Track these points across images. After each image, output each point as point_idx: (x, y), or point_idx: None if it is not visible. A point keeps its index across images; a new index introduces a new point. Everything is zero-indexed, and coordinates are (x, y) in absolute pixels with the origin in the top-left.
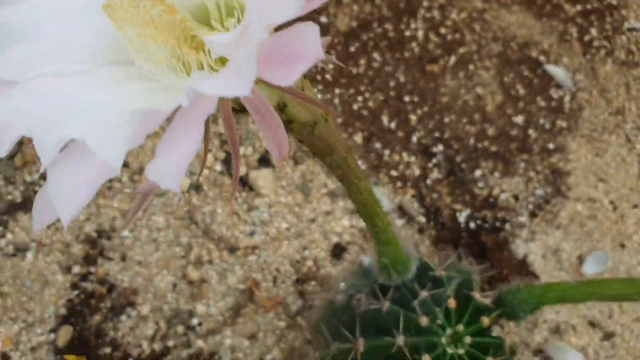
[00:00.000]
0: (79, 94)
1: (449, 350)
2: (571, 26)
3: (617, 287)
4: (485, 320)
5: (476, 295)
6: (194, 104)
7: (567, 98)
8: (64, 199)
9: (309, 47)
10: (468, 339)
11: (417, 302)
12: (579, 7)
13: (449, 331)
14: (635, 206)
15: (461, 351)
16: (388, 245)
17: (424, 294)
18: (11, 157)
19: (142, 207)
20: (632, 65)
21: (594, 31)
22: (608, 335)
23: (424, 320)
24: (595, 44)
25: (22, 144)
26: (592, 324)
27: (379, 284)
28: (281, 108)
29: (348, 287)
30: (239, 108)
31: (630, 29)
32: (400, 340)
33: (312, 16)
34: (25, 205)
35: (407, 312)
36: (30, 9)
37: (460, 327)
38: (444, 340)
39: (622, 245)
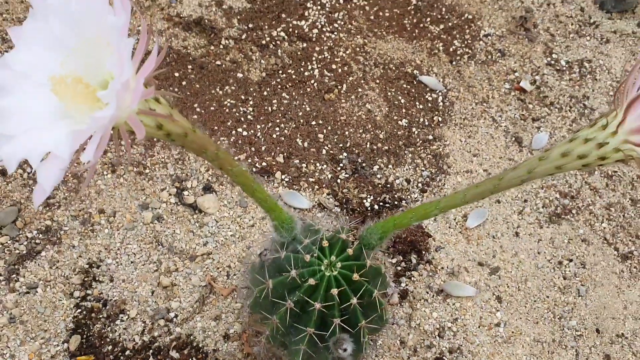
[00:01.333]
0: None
1: (327, 273)
2: (437, 42)
3: (424, 208)
4: (349, 251)
5: (342, 235)
6: (98, 125)
7: (440, 98)
8: (47, 179)
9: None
10: (339, 265)
11: (301, 247)
12: (442, 26)
13: (325, 262)
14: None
15: (335, 273)
16: (273, 211)
17: (305, 241)
18: (14, 221)
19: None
20: (492, 63)
21: (457, 42)
22: (494, 270)
23: (307, 257)
24: (459, 52)
25: (20, 211)
26: (480, 264)
27: (279, 242)
28: (159, 127)
29: (262, 251)
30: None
31: (486, 35)
32: (293, 273)
33: (226, 77)
34: (30, 255)
35: (295, 255)
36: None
37: (333, 258)
38: (322, 267)
39: (498, 201)
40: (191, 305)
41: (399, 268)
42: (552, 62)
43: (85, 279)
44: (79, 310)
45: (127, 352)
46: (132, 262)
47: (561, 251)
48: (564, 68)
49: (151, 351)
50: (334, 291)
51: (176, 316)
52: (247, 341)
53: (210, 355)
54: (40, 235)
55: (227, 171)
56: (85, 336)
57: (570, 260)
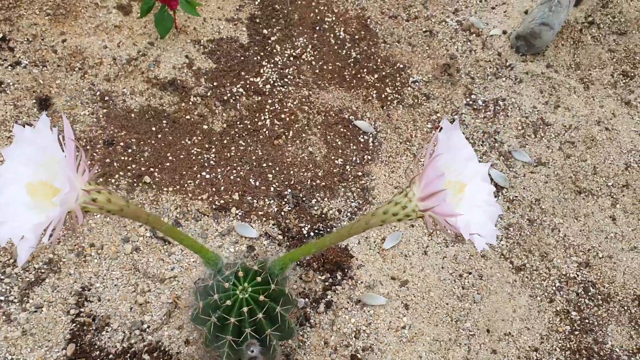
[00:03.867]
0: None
1: (240, 296)
2: (372, 90)
3: (307, 246)
4: (258, 279)
5: (254, 267)
6: (51, 219)
7: (370, 139)
8: (22, 253)
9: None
10: (249, 289)
11: (222, 277)
12: (376, 76)
13: (240, 287)
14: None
15: (247, 295)
16: (200, 252)
17: (226, 272)
18: None
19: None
20: (417, 106)
21: (388, 89)
22: (403, 283)
23: (226, 285)
24: (390, 97)
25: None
26: (393, 278)
27: (210, 272)
28: (101, 208)
29: (196, 280)
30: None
31: (414, 82)
32: (215, 296)
33: (194, 129)
34: (37, 281)
35: (218, 283)
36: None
37: (245, 284)
38: (237, 291)
39: (412, 226)
40: (160, 318)
41: (327, 283)
42: (471, 102)
43: (79, 300)
44: (74, 324)
45: (111, 356)
46: (115, 285)
47: (462, 266)
48: (481, 107)
49: (128, 355)
50: (244, 309)
51: (148, 327)
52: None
53: (174, 357)
54: (45, 266)
55: (159, 229)
56: (79, 344)
57: (470, 273)
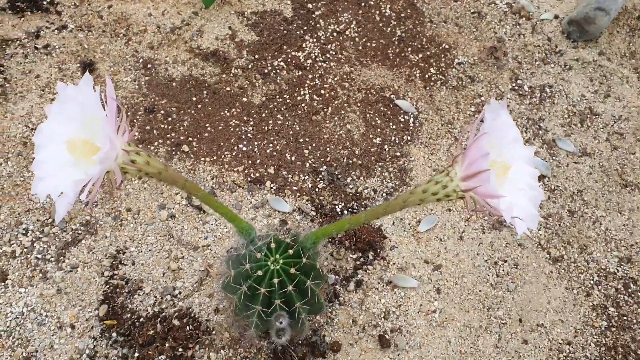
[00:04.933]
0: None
1: (271, 267)
2: (415, 69)
3: (341, 223)
4: (290, 251)
5: (286, 239)
6: (90, 177)
7: (411, 120)
8: (60, 209)
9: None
10: (281, 261)
11: (255, 247)
12: (420, 55)
13: (272, 258)
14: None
15: (278, 267)
16: (234, 221)
17: (258, 242)
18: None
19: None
20: (461, 88)
21: (432, 70)
22: (437, 267)
23: (258, 255)
24: (434, 78)
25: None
26: (426, 262)
27: (242, 242)
28: (139, 170)
29: (229, 249)
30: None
31: (459, 63)
32: (247, 266)
33: (233, 101)
34: (74, 242)
35: (250, 253)
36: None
37: (277, 256)
38: (269, 263)
39: (449, 210)
40: (192, 285)
41: (358, 262)
42: (516, 87)
43: (114, 262)
44: (108, 286)
45: (141, 319)
46: (149, 250)
47: (498, 253)
48: (526, 93)
49: (159, 319)
50: (275, 280)
51: (180, 293)
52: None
53: (204, 324)
54: (82, 227)
55: (195, 195)
56: (111, 306)
57: (505, 261)
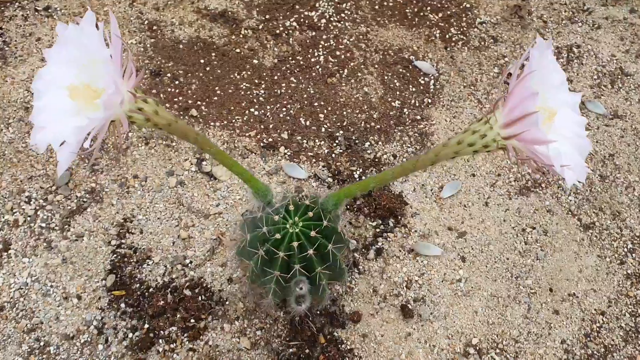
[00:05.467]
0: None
1: (290, 230)
2: (435, 29)
3: (365, 182)
4: (310, 214)
5: (305, 200)
6: (94, 123)
7: (431, 82)
8: (63, 159)
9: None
10: (300, 224)
11: (272, 209)
12: (440, 15)
13: (290, 221)
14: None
15: (297, 230)
16: (250, 181)
17: (276, 205)
18: (67, 183)
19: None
20: (484, 49)
21: (453, 30)
22: (461, 234)
23: (275, 218)
24: (454, 38)
25: (72, 175)
26: (449, 229)
27: (258, 205)
28: (147, 120)
29: (244, 212)
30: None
31: (481, 23)
32: (264, 229)
33: (244, 64)
34: (79, 210)
35: (267, 215)
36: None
37: (296, 219)
38: (287, 225)
39: (473, 175)
40: (203, 254)
41: (378, 230)
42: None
43: (121, 231)
44: (115, 255)
45: (151, 290)
46: (158, 219)
47: (526, 220)
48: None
49: (169, 289)
50: (294, 244)
51: (191, 262)
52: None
53: (216, 294)
54: (87, 195)
55: (207, 151)
56: (119, 276)
57: (533, 228)
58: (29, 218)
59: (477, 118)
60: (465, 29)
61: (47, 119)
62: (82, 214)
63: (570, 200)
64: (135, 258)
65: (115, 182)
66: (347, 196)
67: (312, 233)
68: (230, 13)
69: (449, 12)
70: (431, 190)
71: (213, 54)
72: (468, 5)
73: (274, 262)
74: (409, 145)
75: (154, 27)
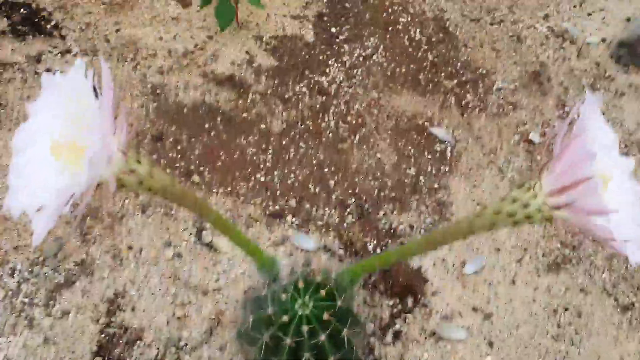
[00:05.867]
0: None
1: (300, 312)
2: (450, 96)
3: (386, 255)
4: (322, 292)
5: (317, 278)
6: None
7: (448, 149)
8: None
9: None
10: (311, 304)
11: (279, 286)
12: (455, 81)
13: (299, 301)
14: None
15: (307, 312)
16: (254, 254)
17: (283, 281)
18: (55, 254)
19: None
20: (503, 116)
21: (469, 96)
22: (487, 316)
23: (283, 296)
24: (471, 105)
25: (62, 245)
26: (474, 309)
27: (263, 281)
28: (140, 183)
29: (247, 289)
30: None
31: (499, 89)
32: (269, 310)
33: (250, 128)
34: (67, 284)
35: (274, 294)
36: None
37: (306, 298)
38: (296, 306)
39: (498, 250)
40: (200, 335)
41: (395, 310)
42: (564, 114)
43: (111, 308)
44: (103, 335)
45: None
46: (152, 294)
47: (557, 300)
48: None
49: None
50: (304, 328)
51: (186, 344)
52: None
53: None
54: (77, 267)
55: (207, 218)
56: (105, 358)
57: (566, 309)
58: (10, 292)
59: (517, 185)
60: (482, 95)
61: (23, 179)
62: (69, 288)
63: (605, 278)
64: (125, 338)
65: (107, 253)
66: (365, 271)
67: (325, 315)
68: (237, 78)
69: (464, 79)
70: (453, 265)
71: (219, 119)
72: (484, 72)
73: (280, 349)
74: (426, 215)
75: (158, 91)
